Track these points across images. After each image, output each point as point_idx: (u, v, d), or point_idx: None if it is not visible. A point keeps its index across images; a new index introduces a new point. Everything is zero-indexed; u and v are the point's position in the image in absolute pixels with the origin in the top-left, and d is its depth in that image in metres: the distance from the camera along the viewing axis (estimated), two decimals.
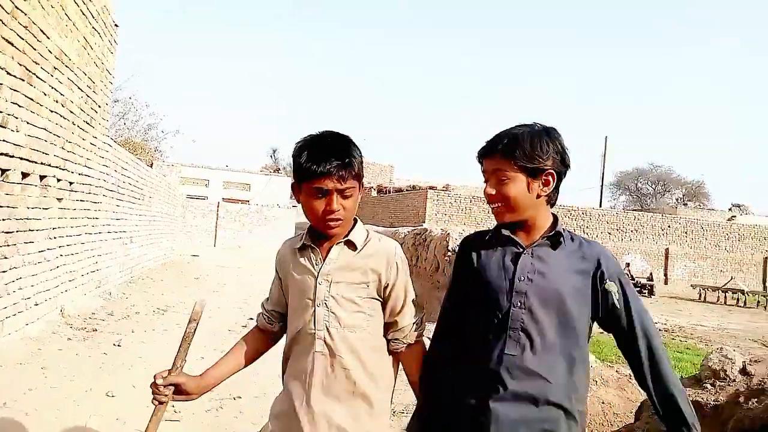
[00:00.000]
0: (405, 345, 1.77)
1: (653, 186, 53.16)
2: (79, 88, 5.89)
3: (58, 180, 5.48)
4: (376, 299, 1.74)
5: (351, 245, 1.72)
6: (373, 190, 26.37)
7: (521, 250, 1.64)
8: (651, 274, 19.61)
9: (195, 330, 1.69)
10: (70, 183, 5.89)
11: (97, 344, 5.44)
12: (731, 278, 21.04)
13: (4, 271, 4.42)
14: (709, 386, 3.47)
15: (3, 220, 4.30)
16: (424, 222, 17.65)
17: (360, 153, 1.72)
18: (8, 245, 4.44)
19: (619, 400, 4.87)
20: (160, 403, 1.65)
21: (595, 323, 1.66)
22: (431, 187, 20.83)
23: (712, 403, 3.30)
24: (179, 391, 1.67)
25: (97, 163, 6.89)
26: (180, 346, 1.68)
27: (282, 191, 38.19)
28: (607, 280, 1.57)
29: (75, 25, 5.57)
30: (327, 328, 1.67)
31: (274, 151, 68.60)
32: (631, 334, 1.57)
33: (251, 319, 7.85)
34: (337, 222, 1.67)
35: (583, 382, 1.60)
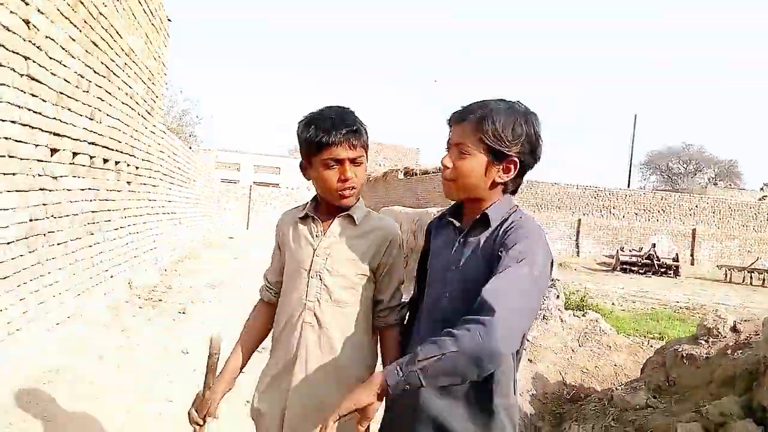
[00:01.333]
0: (384, 324, 1.76)
1: (685, 166, 52.54)
2: (142, 81, 6.55)
3: (128, 165, 6.17)
4: (370, 277, 1.72)
5: (351, 221, 1.71)
6: (399, 172, 26.83)
7: (457, 236, 1.57)
8: (677, 254, 19.76)
9: (217, 362, 1.75)
10: (137, 168, 6.58)
11: (165, 312, 6.16)
12: (757, 258, 21.08)
13: (90, 246, 5.11)
14: (703, 342, 3.99)
15: (90, 200, 4.97)
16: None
17: (364, 123, 1.70)
18: (94, 222, 5.13)
19: (631, 363, 5.38)
20: (198, 424, 1.75)
21: None
22: None
23: (704, 355, 3.83)
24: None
25: (155, 149, 7.58)
26: (206, 377, 1.75)
27: None
28: (501, 251, 1.40)
29: (139, 23, 6.20)
30: (318, 300, 1.66)
31: None
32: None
33: None
34: (352, 191, 1.66)
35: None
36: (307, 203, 1.78)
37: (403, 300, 1.80)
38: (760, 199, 30.35)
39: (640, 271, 18.31)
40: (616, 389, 4.08)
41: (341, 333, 1.65)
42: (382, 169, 30.95)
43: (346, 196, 1.65)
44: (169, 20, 7.81)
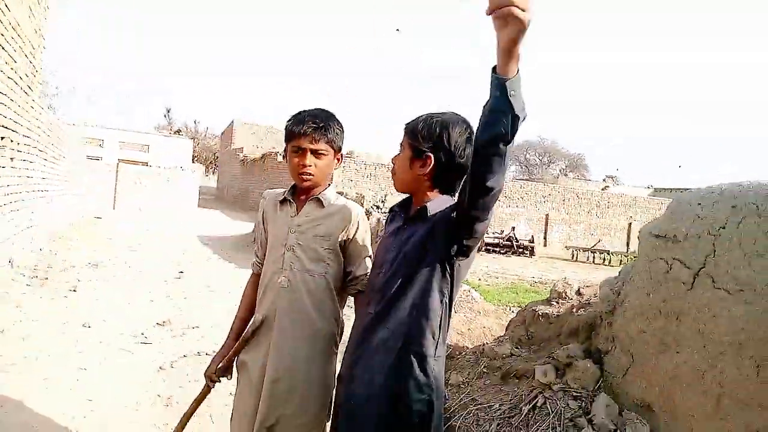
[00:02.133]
0: (355, 291, 2.05)
1: (540, 157, 57.34)
2: (25, 54, 6.30)
3: (11, 141, 5.95)
4: (336, 251, 2.01)
5: (320, 203, 2.02)
6: (278, 155, 26.80)
7: (400, 224, 1.84)
8: (532, 237, 21.87)
9: (250, 336, 2.01)
10: (18, 144, 6.34)
11: (54, 290, 6.07)
12: (599, 240, 23.94)
13: None
14: (554, 303, 4.87)
15: None
16: None
17: (340, 127, 2.02)
18: None
19: (497, 325, 6.26)
20: (215, 382, 2.10)
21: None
22: None
23: (555, 314, 4.70)
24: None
25: (34, 125, 7.26)
26: (237, 345, 2.04)
27: (184, 153, 37.49)
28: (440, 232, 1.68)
29: None
30: (291, 268, 1.97)
31: (168, 111, 65.92)
32: None
33: (181, 272, 8.58)
34: (309, 177, 1.97)
35: (422, 314, 1.70)
36: (286, 189, 2.10)
37: (369, 270, 2.04)
38: (602, 189, 34.15)
39: (502, 251, 20.05)
40: (487, 344, 4.84)
41: (310, 297, 1.96)
42: (260, 152, 30.63)
43: (303, 179, 1.98)
44: None
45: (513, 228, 21.62)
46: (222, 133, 42.48)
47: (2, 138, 5.53)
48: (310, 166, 1.96)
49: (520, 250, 20.30)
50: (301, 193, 2.06)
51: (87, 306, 5.65)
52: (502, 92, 1.34)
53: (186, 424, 2.18)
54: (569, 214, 25.59)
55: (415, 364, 1.68)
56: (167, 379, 4.07)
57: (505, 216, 24.06)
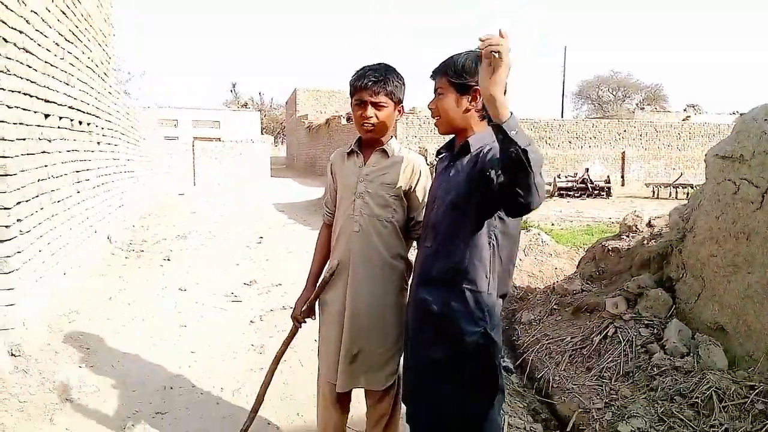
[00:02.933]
0: (417, 236, 2.18)
1: (614, 93, 54.58)
2: (98, 43, 6.73)
3: (96, 126, 6.44)
4: (401, 198, 2.17)
5: (385, 154, 2.19)
6: (342, 118, 27.10)
7: (448, 162, 1.94)
8: (608, 177, 21.13)
9: (329, 279, 2.22)
10: (102, 128, 6.84)
11: (150, 261, 6.62)
12: (681, 174, 22.78)
13: (78, 203, 5.47)
14: (625, 237, 4.85)
15: (72, 161, 5.31)
16: None
17: (400, 79, 2.14)
18: (79, 182, 5.48)
19: (569, 265, 6.27)
20: (299, 322, 2.35)
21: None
22: None
23: (626, 247, 4.68)
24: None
25: (114, 110, 7.78)
26: (317, 289, 2.27)
27: (253, 126, 38.59)
28: (489, 168, 1.67)
29: None
30: (362, 214, 2.14)
31: (234, 86, 67.47)
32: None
33: (261, 238, 9.06)
34: (370, 126, 2.10)
35: (474, 253, 1.79)
36: (352, 142, 2.26)
37: None
38: (683, 120, 32.30)
39: (576, 195, 19.53)
40: (557, 282, 4.90)
41: (380, 239, 2.15)
42: (324, 117, 31.02)
43: (365, 130, 2.13)
44: None
45: (587, 169, 20.97)
46: (286, 102, 43.29)
47: (89, 124, 5.99)
48: (371, 117, 2.09)
49: (596, 191, 19.71)
50: (367, 144, 2.22)
51: (181, 273, 6.14)
52: (504, 135, 1.48)
53: (279, 361, 2.45)
54: (647, 149, 24.46)
55: (470, 299, 1.78)
56: (258, 331, 4.43)
57: (577, 157, 23.34)
